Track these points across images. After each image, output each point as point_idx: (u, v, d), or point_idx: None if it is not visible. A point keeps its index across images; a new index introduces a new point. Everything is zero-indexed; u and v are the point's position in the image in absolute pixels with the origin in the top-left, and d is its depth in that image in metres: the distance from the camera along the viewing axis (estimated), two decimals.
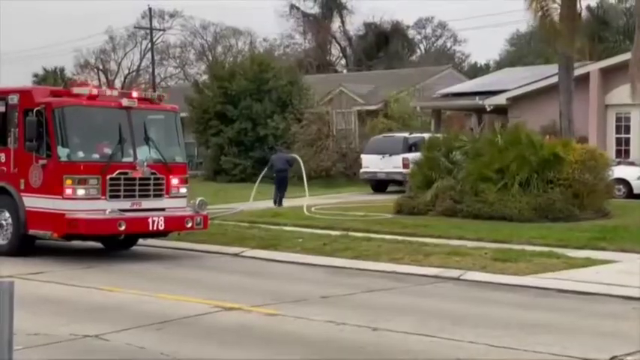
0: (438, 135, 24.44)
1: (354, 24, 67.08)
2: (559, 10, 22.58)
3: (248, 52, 45.65)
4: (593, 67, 29.98)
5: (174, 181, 15.22)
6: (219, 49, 66.76)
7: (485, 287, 12.26)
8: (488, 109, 33.97)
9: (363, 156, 29.89)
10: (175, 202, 15.23)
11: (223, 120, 37.28)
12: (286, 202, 23.99)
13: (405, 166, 25.89)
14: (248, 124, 36.70)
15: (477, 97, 34.32)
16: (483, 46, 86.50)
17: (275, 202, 24.10)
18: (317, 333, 9.21)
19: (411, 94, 38.20)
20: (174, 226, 15.10)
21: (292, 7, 67.16)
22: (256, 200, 23.77)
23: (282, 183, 24.40)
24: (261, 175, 25.41)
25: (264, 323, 9.75)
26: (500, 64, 56.83)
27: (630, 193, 24.96)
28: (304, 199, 22.61)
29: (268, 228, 18.64)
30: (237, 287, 12.37)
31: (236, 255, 15.70)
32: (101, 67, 70.37)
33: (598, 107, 29.52)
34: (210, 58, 63.61)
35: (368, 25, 65.96)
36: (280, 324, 9.71)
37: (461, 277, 12.85)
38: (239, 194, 27.48)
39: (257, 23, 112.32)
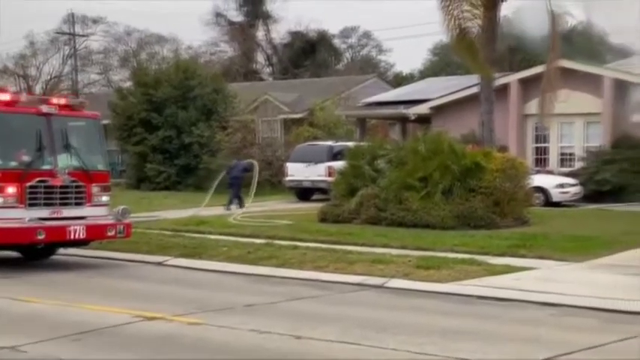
0: (363, 143, 24.63)
1: (280, 32, 67.25)
2: (476, 29, 22.97)
3: (173, 59, 45.26)
4: (513, 78, 30.63)
5: (96, 188, 14.96)
6: (144, 55, 65.98)
7: (408, 295, 12.36)
8: (412, 118, 34.40)
9: (288, 164, 29.94)
10: (97, 211, 14.97)
11: (147, 127, 36.87)
12: (212, 211, 23.93)
13: (330, 174, 26.02)
14: (173, 131, 36.38)
15: (401, 106, 34.74)
16: (408, 55, 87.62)
17: (228, 206, 25.26)
18: (240, 342, 9.15)
19: (336, 103, 38.43)
20: (96, 234, 14.84)
21: (217, 15, 66.94)
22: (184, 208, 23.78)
23: (235, 188, 26.10)
24: (216, 182, 26.11)
25: (187, 333, 9.65)
26: (424, 74, 57.58)
27: (548, 201, 25.57)
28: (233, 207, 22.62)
29: (192, 236, 18.50)
30: (160, 296, 12.22)
31: (159, 264, 15.52)
32: (21, 72, 68.78)
33: (518, 117, 30.17)
34: (135, 64, 62.82)
35: (294, 34, 66.16)
36: (203, 333, 9.62)
37: (384, 285, 12.93)
38: (163, 202, 27.24)
39: (182, 30, 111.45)
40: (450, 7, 22.82)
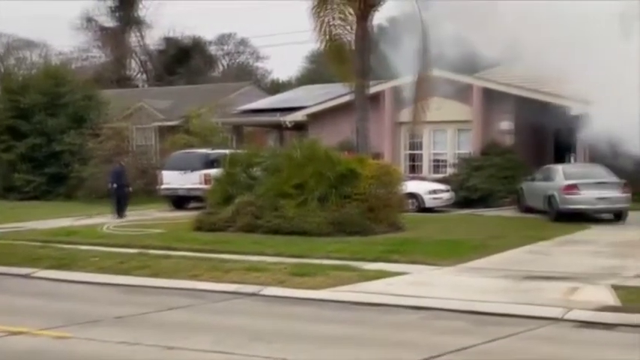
0: (239, 151, 24.50)
1: (154, 38, 66.19)
2: (348, 37, 23.28)
3: (43, 64, 43.84)
4: (387, 86, 31.12)
5: None
6: (12, 60, 63.69)
7: (283, 302, 12.32)
8: (289, 126, 34.49)
9: (163, 172, 29.45)
10: None
11: (15, 135, 35.55)
12: (83, 221, 23.35)
13: (206, 182, 25.73)
14: (42, 139, 35.19)
15: (278, 114, 34.79)
16: (285, 63, 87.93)
17: (118, 215, 24.97)
18: (109, 354, 8.91)
19: (212, 110, 38.09)
20: None
21: (89, 19, 65.27)
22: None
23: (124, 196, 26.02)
24: (113, 188, 26.01)
25: (54, 347, 9.31)
26: (301, 81, 57.87)
27: (421, 207, 26.10)
28: (105, 217, 22.08)
29: (62, 247, 17.89)
30: (27, 310, 11.75)
31: (26, 276, 14.93)
32: None
33: (391, 124, 30.70)
34: (2, 70, 60.55)
35: (168, 40, 65.27)
36: (71, 347, 9.30)
37: (260, 293, 12.86)
38: (32, 212, 26.33)
39: (52, 35, 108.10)
40: (322, 15, 23.03)
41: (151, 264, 15.12)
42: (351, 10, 23.20)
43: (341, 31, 23.05)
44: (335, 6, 23.29)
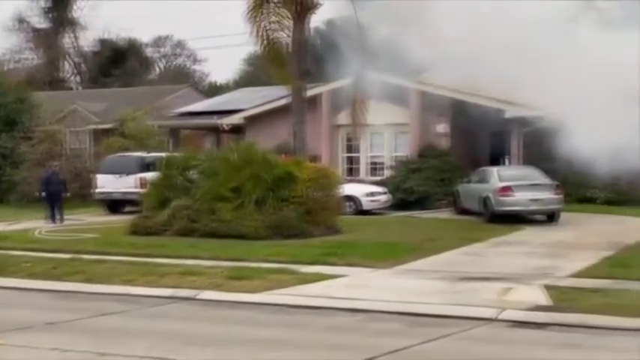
0: (176, 154, 24.28)
1: (89, 40, 65.15)
2: (285, 40, 23.25)
3: None
4: (324, 89, 31.18)
5: None
6: None
7: (220, 306, 12.22)
8: (226, 129, 34.34)
9: (98, 176, 29.01)
10: None
11: None
12: (15, 226, 22.88)
13: (142, 185, 25.42)
14: None
15: (215, 117, 34.59)
16: (222, 65, 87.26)
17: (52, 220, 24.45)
18: None
19: (148, 113, 37.69)
20: None
21: (21, 20, 63.96)
22: None
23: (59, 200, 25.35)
24: (42, 196, 25.44)
25: None
26: (239, 84, 57.62)
27: (359, 210, 26.19)
28: (38, 222, 21.66)
29: None
30: None
31: None
32: None
33: (329, 127, 30.77)
34: None
35: (103, 42, 64.30)
36: (1, 354, 9.07)
37: (196, 297, 12.73)
38: None
39: None
40: (258, 19, 22.95)
41: (85, 269, 14.88)
42: (288, 13, 23.16)
43: (277, 35, 22.99)
44: (271, 10, 23.21)
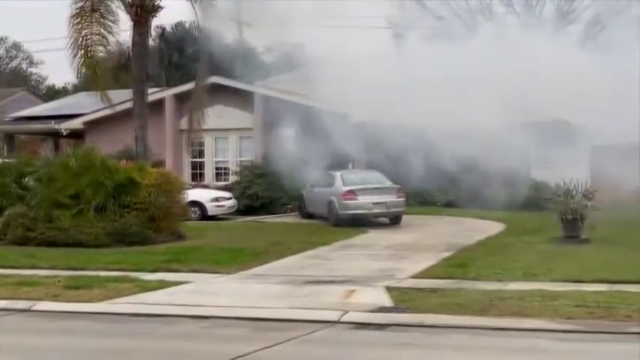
0: (10, 160, 23.24)
1: None
2: (110, 47, 22.69)
3: None
4: (168, 93, 30.76)
5: None
6: None
7: (57, 317, 11.71)
8: (65, 134, 33.26)
9: None
10: None
11: None
12: None
13: None
14: None
15: (53, 121, 33.43)
16: (61, 68, 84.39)
17: None
18: None
19: None
20: None
21: None
22: None
23: None
24: None
25: None
26: (78, 88, 55.86)
27: (204, 215, 25.94)
28: None
29: None
30: None
31: None
32: None
33: (173, 132, 30.32)
34: None
35: None
36: None
37: (32, 308, 12.15)
38: None
39: None
40: (80, 27, 22.21)
41: None
42: (116, 23, 22.61)
43: (96, 48, 22.30)
44: (94, 20, 22.36)
